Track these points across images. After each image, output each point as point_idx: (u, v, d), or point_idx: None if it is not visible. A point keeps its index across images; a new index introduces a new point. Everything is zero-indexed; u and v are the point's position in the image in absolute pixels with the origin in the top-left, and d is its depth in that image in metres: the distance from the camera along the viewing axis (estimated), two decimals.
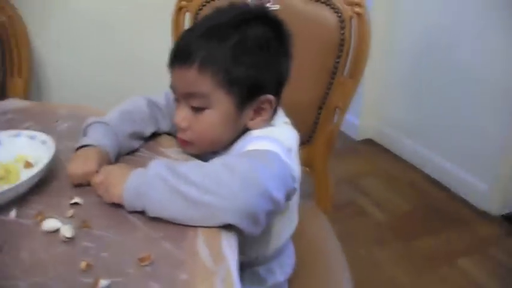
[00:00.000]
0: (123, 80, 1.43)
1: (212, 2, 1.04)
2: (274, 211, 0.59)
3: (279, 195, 0.57)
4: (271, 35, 0.66)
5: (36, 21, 1.15)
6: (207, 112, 0.65)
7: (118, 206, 0.57)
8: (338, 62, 0.99)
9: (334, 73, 1.01)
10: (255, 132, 0.68)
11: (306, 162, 1.10)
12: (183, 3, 1.05)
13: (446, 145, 1.98)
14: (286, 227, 0.77)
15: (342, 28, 0.96)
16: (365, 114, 2.37)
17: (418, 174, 2.08)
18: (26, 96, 1.11)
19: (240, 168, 0.54)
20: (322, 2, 0.97)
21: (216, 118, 0.65)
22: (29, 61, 1.11)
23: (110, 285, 0.45)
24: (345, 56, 0.99)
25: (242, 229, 0.54)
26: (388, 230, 1.73)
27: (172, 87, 0.68)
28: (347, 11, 0.96)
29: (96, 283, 0.45)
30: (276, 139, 0.64)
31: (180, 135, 0.69)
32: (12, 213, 0.57)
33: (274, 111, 0.71)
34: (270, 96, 0.67)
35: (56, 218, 0.55)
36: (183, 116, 0.66)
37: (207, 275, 0.46)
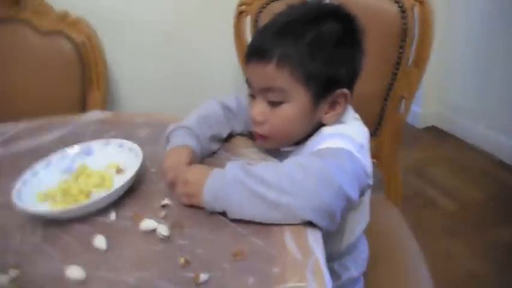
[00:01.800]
0: (191, 85, 1.50)
1: (272, 3, 1.06)
2: (349, 207, 0.60)
3: (353, 192, 0.58)
4: (345, 31, 0.68)
5: (110, 36, 1.23)
6: (284, 106, 0.67)
7: None
8: (401, 52, 0.99)
9: (398, 63, 1.00)
10: (327, 130, 0.69)
11: (374, 154, 1.09)
12: (243, 7, 1.08)
13: None
14: (359, 223, 0.78)
15: (404, 18, 0.95)
16: (427, 101, 2.30)
17: (488, 160, 1.99)
18: (104, 107, 1.20)
19: (314, 167, 0.56)
20: None
21: (293, 112, 0.67)
22: (106, 75, 1.20)
23: (209, 279, 0.49)
24: (408, 46, 0.98)
25: (320, 226, 0.56)
26: (461, 221, 1.66)
27: (249, 82, 0.70)
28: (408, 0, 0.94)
29: (197, 277, 0.49)
30: (347, 136, 0.65)
31: (257, 129, 0.71)
32: (112, 215, 0.63)
33: (346, 106, 0.72)
34: (345, 90, 0.68)
35: (152, 219, 0.60)
36: (259, 110, 0.68)
37: (297, 267, 0.49)
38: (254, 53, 0.67)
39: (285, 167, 0.58)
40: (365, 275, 0.83)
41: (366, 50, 0.71)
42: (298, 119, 0.68)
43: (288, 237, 0.53)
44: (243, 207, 0.56)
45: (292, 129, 0.69)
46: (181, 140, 0.70)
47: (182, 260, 0.52)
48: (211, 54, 1.45)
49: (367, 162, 0.66)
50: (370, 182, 0.67)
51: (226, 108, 0.80)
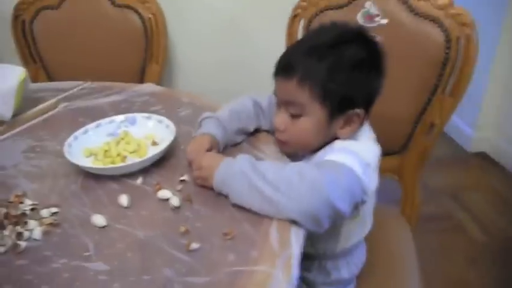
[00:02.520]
0: (238, 77, 1.61)
1: (326, 11, 1.12)
2: (339, 217, 0.67)
3: (342, 205, 0.64)
4: (366, 55, 0.73)
5: (175, 16, 1.36)
6: (302, 119, 0.75)
7: None
8: (440, 80, 1.01)
9: (434, 90, 1.03)
10: (338, 144, 0.76)
11: (396, 170, 1.14)
12: (298, 11, 1.15)
13: None
14: (356, 230, 0.84)
15: (448, 48, 0.98)
16: (482, 126, 2.23)
17: None
18: (159, 81, 1.33)
19: (310, 176, 0.63)
20: (431, 20, 0.99)
21: (309, 125, 0.75)
22: (166, 51, 1.32)
23: (198, 248, 0.59)
24: (447, 75, 1.00)
25: (304, 227, 0.64)
26: (486, 252, 1.64)
27: (275, 93, 0.79)
28: (455, 30, 0.97)
29: (189, 245, 0.59)
30: (355, 153, 0.71)
31: (278, 135, 0.80)
32: (139, 180, 0.75)
33: (362, 124, 0.78)
34: (359, 110, 0.74)
35: (169, 190, 0.71)
36: (281, 119, 0.77)
37: (272, 256, 0.57)
38: (281, 69, 0.76)
39: (286, 170, 0.66)
40: (358, 278, 0.90)
41: (386, 72, 0.76)
42: (314, 132, 0.75)
43: (274, 229, 0.62)
44: (242, 195, 0.65)
45: (308, 140, 0.77)
46: (209, 129, 0.80)
47: (183, 229, 0.62)
48: (263, 47, 1.53)
49: (369, 180, 0.72)
50: (367, 199, 0.73)
51: (257, 105, 0.89)
